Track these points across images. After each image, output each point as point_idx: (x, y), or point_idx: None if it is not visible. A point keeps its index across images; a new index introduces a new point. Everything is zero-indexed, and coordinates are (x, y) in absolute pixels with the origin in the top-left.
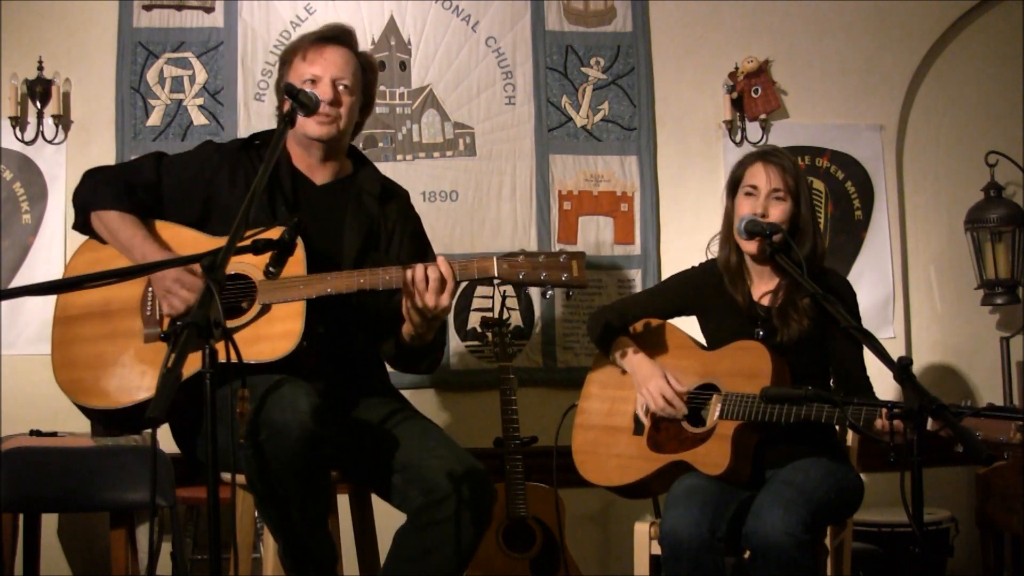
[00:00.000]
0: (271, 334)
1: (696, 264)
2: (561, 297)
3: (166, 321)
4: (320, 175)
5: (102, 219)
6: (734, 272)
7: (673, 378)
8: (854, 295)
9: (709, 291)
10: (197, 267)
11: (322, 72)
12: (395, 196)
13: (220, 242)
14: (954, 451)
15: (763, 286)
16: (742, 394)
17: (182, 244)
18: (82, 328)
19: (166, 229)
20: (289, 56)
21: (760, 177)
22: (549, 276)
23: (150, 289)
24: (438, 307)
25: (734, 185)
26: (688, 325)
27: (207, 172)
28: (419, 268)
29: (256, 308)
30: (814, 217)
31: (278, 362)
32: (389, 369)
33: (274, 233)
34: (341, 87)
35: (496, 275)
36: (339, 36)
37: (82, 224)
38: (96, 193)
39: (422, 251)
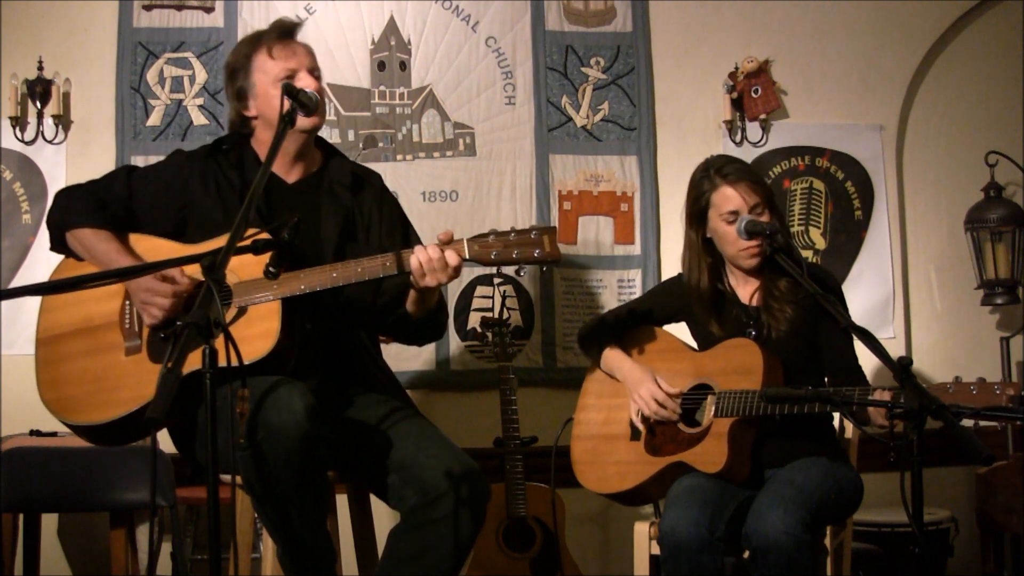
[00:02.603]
0: (250, 335)
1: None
2: (561, 298)
3: (146, 332)
4: (292, 173)
5: (77, 237)
6: (707, 299)
7: (664, 381)
8: (839, 284)
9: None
10: (170, 272)
11: (298, 65)
12: (367, 183)
13: (195, 250)
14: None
15: (749, 288)
16: (736, 390)
17: (158, 254)
18: (66, 346)
19: (141, 241)
20: (245, 60)
21: (735, 200)
22: (522, 253)
23: (127, 302)
24: (441, 282)
25: (701, 213)
26: (680, 332)
27: (180, 180)
28: (417, 255)
29: (233, 311)
30: (783, 217)
31: (261, 362)
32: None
33: (263, 236)
34: (317, 76)
35: (467, 256)
36: (294, 30)
37: (58, 244)
38: (68, 211)
39: (404, 233)
